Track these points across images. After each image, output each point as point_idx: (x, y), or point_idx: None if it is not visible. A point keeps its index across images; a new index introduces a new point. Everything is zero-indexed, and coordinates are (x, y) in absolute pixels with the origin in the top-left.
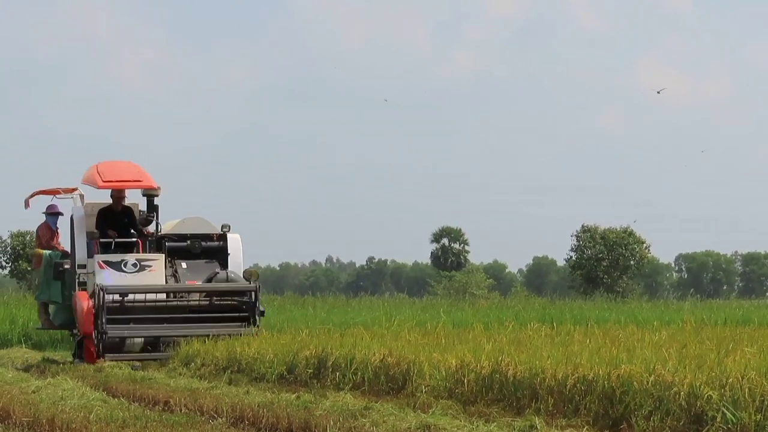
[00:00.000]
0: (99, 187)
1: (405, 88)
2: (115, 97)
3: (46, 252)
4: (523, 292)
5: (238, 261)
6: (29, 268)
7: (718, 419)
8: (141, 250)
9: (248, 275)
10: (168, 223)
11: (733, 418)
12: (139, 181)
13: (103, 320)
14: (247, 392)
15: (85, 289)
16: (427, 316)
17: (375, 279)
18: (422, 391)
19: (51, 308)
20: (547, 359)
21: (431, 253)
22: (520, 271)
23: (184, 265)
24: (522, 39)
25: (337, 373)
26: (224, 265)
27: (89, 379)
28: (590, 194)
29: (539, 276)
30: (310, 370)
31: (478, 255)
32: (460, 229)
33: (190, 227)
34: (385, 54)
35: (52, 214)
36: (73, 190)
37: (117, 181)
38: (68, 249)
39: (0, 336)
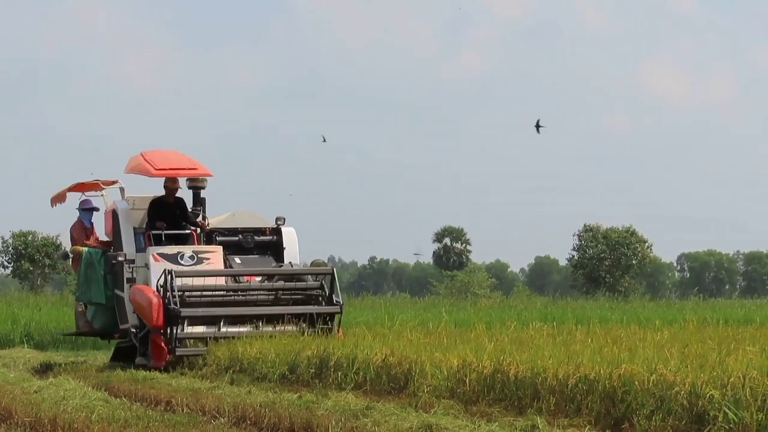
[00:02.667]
0: (152, 175)
1: (409, 87)
2: (118, 97)
3: (85, 249)
4: (525, 291)
5: (293, 256)
6: (31, 268)
7: (720, 419)
8: (196, 243)
9: (315, 266)
10: (215, 217)
11: (735, 417)
12: (194, 168)
13: (178, 308)
14: (248, 392)
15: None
16: (429, 316)
17: (377, 278)
18: (424, 391)
19: (89, 311)
20: (549, 359)
21: (433, 252)
22: (522, 270)
23: (237, 260)
24: (526, 39)
25: (339, 373)
26: (280, 260)
27: (91, 379)
28: (592, 193)
29: (541, 275)
30: (311, 370)
31: (480, 254)
32: (462, 229)
33: (240, 221)
34: (388, 54)
35: (87, 210)
36: (114, 182)
37: (171, 169)
38: (107, 246)
39: (2, 336)
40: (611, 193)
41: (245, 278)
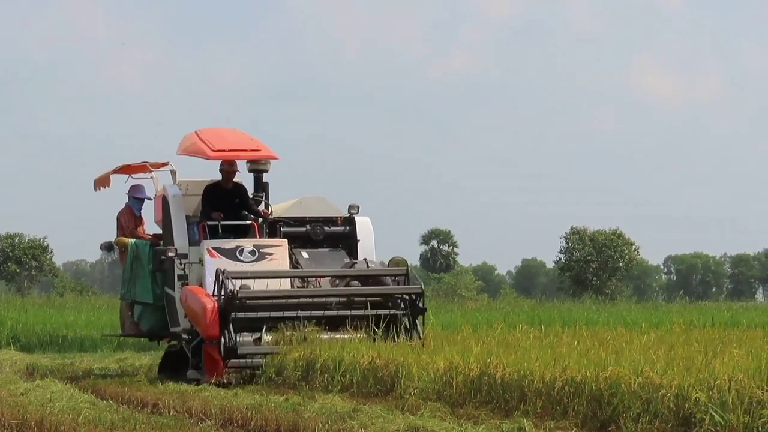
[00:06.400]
0: (209, 158)
1: (398, 88)
2: (107, 97)
3: (132, 241)
4: (511, 294)
5: (369, 249)
6: (17, 270)
7: (707, 421)
8: (258, 235)
9: (395, 264)
10: (279, 204)
11: (721, 420)
12: (257, 150)
13: (236, 320)
14: (235, 394)
15: (186, 283)
16: None
17: None
18: (411, 394)
19: (136, 310)
20: (536, 361)
21: (420, 255)
22: (509, 273)
23: (305, 254)
24: (516, 40)
25: (326, 376)
26: (353, 254)
27: (78, 381)
28: (580, 196)
29: (528, 278)
30: (298, 372)
31: (467, 257)
32: (450, 231)
33: (308, 209)
34: (377, 54)
35: (138, 198)
36: (164, 164)
37: (230, 151)
38: (157, 239)
39: None
40: (598, 195)
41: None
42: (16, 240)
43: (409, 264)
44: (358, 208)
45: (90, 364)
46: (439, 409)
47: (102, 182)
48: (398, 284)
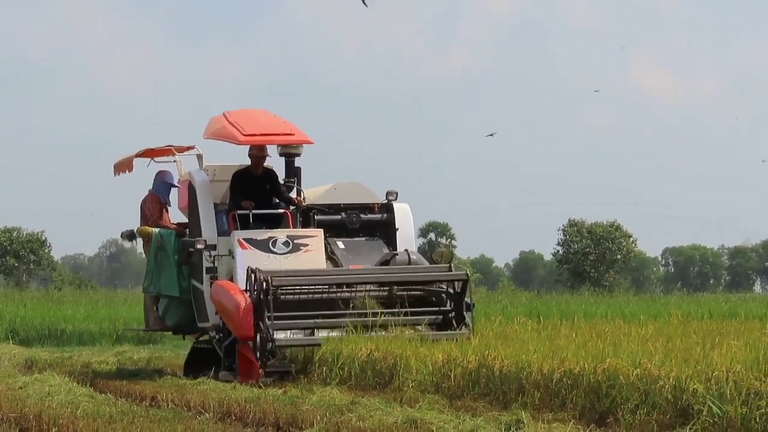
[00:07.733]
0: (240, 142)
1: (396, 84)
2: (106, 95)
3: (156, 230)
4: (510, 286)
5: (408, 238)
6: (16, 264)
7: (704, 412)
8: (291, 224)
9: (439, 257)
10: (311, 189)
11: (719, 411)
12: (291, 134)
13: (271, 319)
14: (233, 387)
15: (215, 276)
16: None
17: None
18: (409, 386)
19: (161, 304)
20: (534, 353)
21: (418, 248)
22: (507, 265)
23: (340, 244)
24: (514, 38)
25: (324, 368)
26: (391, 243)
27: (76, 374)
28: (577, 189)
29: (526, 270)
30: (297, 366)
31: (465, 249)
32: (447, 224)
33: (343, 195)
34: (376, 50)
35: (166, 183)
36: (190, 148)
37: (263, 135)
38: (183, 228)
39: None
40: (596, 187)
41: (350, 267)
42: (14, 234)
43: (466, 271)
44: (397, 194)
45: (88, 357)
46: (437, 402)
47: (123, 167)
48: (446, 285)
